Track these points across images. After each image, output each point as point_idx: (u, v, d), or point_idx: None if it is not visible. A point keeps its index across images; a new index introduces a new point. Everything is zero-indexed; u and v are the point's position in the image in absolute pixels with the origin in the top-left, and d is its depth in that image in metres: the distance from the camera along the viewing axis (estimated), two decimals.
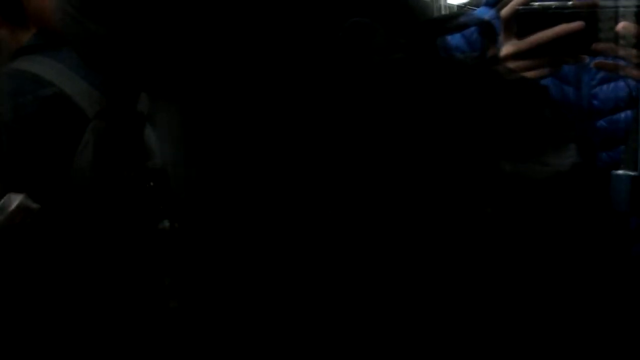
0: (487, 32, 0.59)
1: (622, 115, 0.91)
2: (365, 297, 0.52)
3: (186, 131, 0.56)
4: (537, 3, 0.82)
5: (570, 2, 0.82)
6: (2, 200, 1.01)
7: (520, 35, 0.81)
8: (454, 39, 0.96)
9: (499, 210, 0.51)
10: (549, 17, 0.81)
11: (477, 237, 0.51)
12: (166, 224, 0.87)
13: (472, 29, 0.82)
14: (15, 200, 1.02)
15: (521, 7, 0.82)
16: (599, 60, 0.83)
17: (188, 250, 0.61)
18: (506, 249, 0.51)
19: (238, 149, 0.53)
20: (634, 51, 0.77)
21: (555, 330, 0.52)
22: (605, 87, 0.93)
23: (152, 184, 0.89)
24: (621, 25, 0.78)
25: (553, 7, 0.81)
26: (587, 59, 0.85)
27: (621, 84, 0.91)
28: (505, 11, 0.83)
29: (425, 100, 0.51)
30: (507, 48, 0.82)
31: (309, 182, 0.52)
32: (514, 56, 0.81)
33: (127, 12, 0.53)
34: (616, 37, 0.78)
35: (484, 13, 1.02)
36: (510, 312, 0.51)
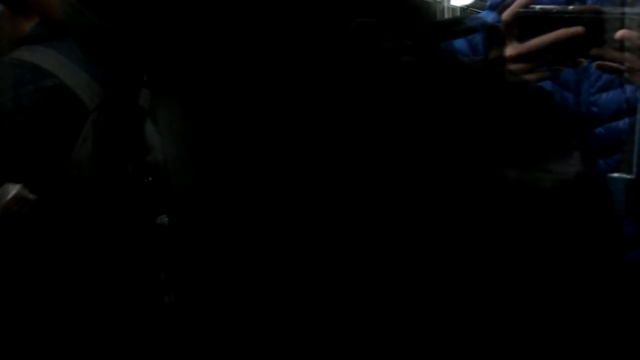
0: (494, 36, 0.59)
1: (621, 122, 0.92)
2: (363, 296, 0.52)
3: (188, 127, 0.56)
4: (538, 6, 0.83)
5: (571, 7, 0.83)
6: None
7: (520, 38, 0.82)
8: (457, 42, 0.96)
9: (501, 216, 0.51)
10: (549, 21, 0.81)
11: (480, 242, 0.51)
12: (164, 219, 0.87)
13: None
14: (12, 190, 1.02)
15: (522, 10, 0.82)
16: (599, 62, 0.84)
17: (186, 245, 0.61)
18: (509, 255, 0.51)
19: (241, 147, 0.53)
20: (633, 58, 0.78)
21: (554, 334, 0.52)
22: (604, 94, 0.93)
23: (150, 179, 0.89)
24: (620, 33, 0.78)
25: (554, 11, 0.82)
26: (585, 63, 0.86)
27: (620, 91, 0.92)
28: (506, 14, 0.83)
29: (432, 104, 0.52)
30: (507, 50, 0.82)
31: (315, 183, 0.52)
32: (514, 59, 0.81)
33: (131, 6, 0.53)
34: (616, 44, 0.79)
35: (488, 17, 1.03)
36: (512, 316, 0.51)
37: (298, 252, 0.53)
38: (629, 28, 0.78)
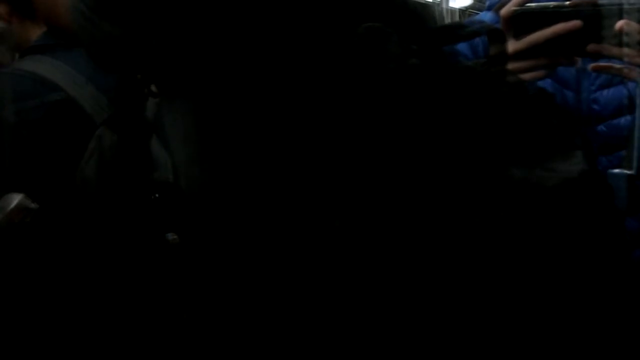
0: (497, 39, 0.61)
1: (622, 120, 0.93)
2: (368, 298, 0.53)
3: (201, 130, 0.57)
4: (534, 4, 0.83)
5: (567, 2, 0.82)
6: (1, 200, 1.03)
7: (517, 36, 0.82)
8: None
9: (506, 215, 0.52)
10: (547, 17, 0.81)
11: (485, 242, 0.52)
12: (172, 236, 0.87)
13: None
14: (14, 199, 1.03)
15: (519, 8, 0.83)
16: (595, 64, 0.85)
17: (198, 249, 0.62)
18: (514, 254, 0.52)
19: (253, 149, 0.55)
20: (632, 51, 0.78)
21: (560, 332, 0.53)
22: (605, 91, 0.95)
23: (157, 195, 0.90)
24: (619, 24, 0.79)
25: (551, 7, 0.82)
26: (580, 61, 0.86)
27: (621, 88, 0.93)
28: (503, 11, 0.84)
29: (438, 106, 0.53)
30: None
31: (324, 184, 0.53)
32: (512, 56, 0.81)
33: (143, 12, 0.54)
34: (615, 37, 0.79)
35: (486, 17, 1.05)
36: (518, 315, 0.52)
37: (310, 253, 0.54)
38: (629, 20, 0.78)
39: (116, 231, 0.89)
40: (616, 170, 0.79)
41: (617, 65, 0.82)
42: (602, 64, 0.85)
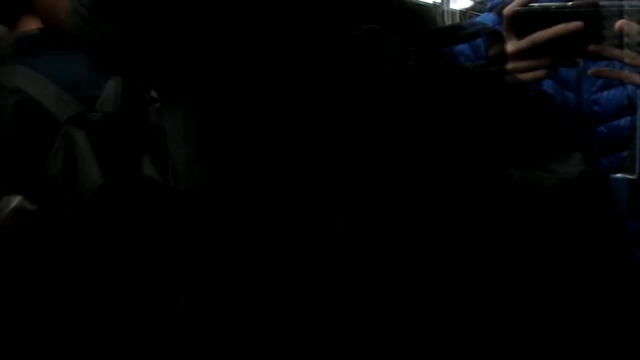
0: (496, 40, 0.61)
1: (622, 121, 0.93)
2: (368, 298, 0.54)
3: (201, 131, 0.58)
4: (537, 4, 0.85)
5: (570, 3, 0.84)
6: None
7: (520, 35, 0.83)
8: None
9: (507, 216, 0.53)
10: (549, 17, 0.82)
11: (485, 241, 0.53)
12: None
13: None
14: (12, 202, 1.04)
15: (522, 8, 0.84)
16: (595, 68, 0.86)
17: (200, 245, 0.63)
18: (514, 254, 0.53)
19: (254, 150, 0.56)
20: (632, 53, 0.79)
21: (560, 333, 0.54)
22: (605, 93, 0.95)
23: (133, 191, 0.90)
24: (619, 24, 0.80)
25: (553, 7, 0.83)
26: (581, 62, 0.87)
27: (621, 90, 0.94)
28: (507, 11, 0.85)
29: (436, 107, 0.54)
30: (507, 48, 0.81)
31: (325, 185, 0.54)
32: (514, 56, 0.82)
33: (142, 14, 0.55)
34: (615, 38, 0.80)
35: (487, 18, 1.06)
36: (517, 316, 0.53)
37: (311, 253, 0.55)
38: (630, 21, 0.79)
39: (90, 228, 0.90)
40: (618, 175, 0.80)
41: (618, 70, 0.83)
42: (602, 68, 0.85)
